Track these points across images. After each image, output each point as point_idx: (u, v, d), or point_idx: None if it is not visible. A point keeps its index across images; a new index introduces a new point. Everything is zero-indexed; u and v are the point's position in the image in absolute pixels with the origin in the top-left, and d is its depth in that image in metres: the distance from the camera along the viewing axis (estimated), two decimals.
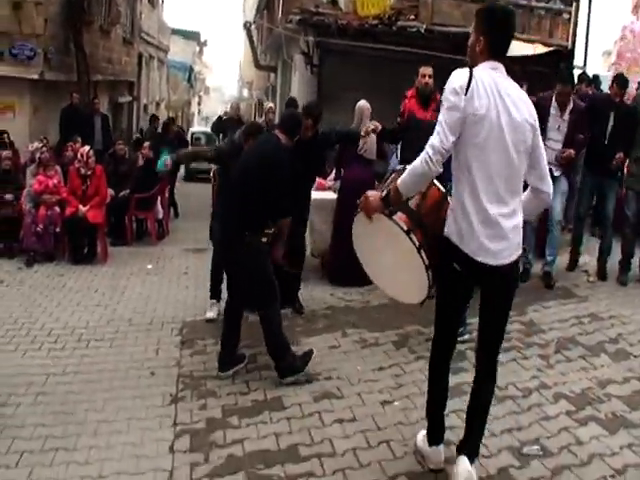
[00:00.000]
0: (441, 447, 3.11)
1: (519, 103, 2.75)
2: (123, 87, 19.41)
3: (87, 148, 8.06)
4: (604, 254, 6.40)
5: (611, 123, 6.23)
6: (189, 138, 18.54)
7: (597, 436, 3.49)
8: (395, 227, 2.94)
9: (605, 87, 8.64)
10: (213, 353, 4.62)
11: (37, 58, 11.42)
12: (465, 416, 3.07)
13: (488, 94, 2.68)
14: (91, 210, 7.65)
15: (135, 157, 9.47)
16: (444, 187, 3.05)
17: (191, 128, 26.24)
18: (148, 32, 23.40)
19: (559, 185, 6.03)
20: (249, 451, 3.40)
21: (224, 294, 5.02)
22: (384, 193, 2.91)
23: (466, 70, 2.72)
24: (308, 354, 4.29)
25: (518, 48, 10.00)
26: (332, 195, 6.48)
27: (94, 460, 3.36)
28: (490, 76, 2.73)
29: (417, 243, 2.91)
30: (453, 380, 3.40)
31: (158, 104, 27.47)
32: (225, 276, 5.08)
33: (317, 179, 6.44)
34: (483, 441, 3.16)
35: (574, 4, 11.47)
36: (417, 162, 2.72)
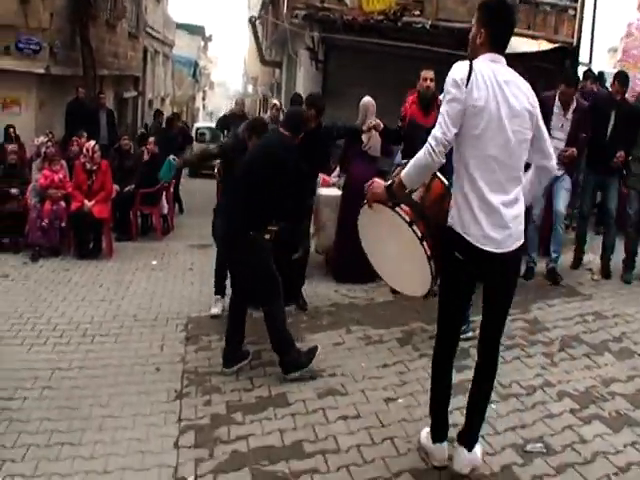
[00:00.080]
0: (445, 444, 3.13)
1: (518, 92, 2.79)
2: (128, 82, 19.42)
3: (93, 143, 8.08)
4: (607, 251, 6.38)
5: (612, 121, 6.20)
6: (194, 133, 18.52)
7: (601, 434, 3.49)
8: (398, 218, 3.00)
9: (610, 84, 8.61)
10: (218, 349, 4.64)
11: (43, 52, 11.43)
12: (465, 409, 3.10)
13: (487, 86, 2.72)
14: (96, 205, 7.67)
15: (140, 152, 9.47)
16: (447, 180, 3.09)
17: (196, 123, 26.18)
18: (153, 27, 23.39)
19: (563, 183, 6.05)
20: (253, 447, 3.42)
21: (229, 290, 5.03)
22: (389, 182, 2.96)
23: (466, 62, 2.76)
24: (313, 350, 4.29)
25: (523, 45, 9.99)
26: (337, 192, 6.46)
27: (99, 455, 3.38)
28: (489, 68, 2.76)
29: (419, 234, 2.96)
30: (457, 377, 3.43)
31: (163, 99, 27.50)
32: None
33: (321, 175, 6.44)
34: (486, 439, 3.17)
35: (580, 0, 11.42)
36: (420, 154, 2.77)
